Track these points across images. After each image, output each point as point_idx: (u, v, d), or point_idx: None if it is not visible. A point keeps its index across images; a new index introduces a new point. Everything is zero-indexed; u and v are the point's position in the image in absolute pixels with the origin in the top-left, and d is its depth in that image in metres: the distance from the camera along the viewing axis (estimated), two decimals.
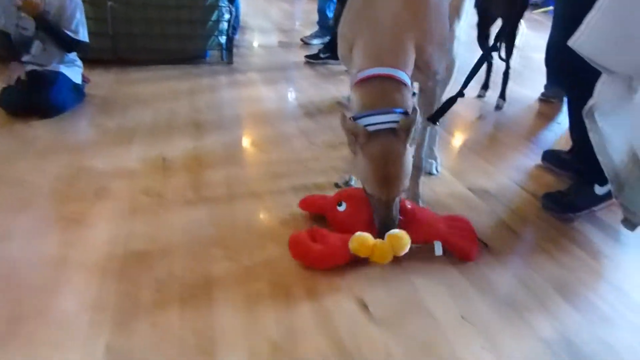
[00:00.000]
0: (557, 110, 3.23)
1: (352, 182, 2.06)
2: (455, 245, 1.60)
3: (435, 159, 2.27)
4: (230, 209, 1.90)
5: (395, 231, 1.51)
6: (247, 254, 1.63)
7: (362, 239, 1.51)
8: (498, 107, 3.24)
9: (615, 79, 1.19)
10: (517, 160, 2.44)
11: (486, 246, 1.63)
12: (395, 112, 1.49)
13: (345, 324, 1.34)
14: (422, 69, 1.66)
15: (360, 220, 1.62)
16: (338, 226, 1.67)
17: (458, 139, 2.71)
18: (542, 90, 3.52)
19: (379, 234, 1.54)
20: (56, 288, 1.45)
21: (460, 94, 1.78)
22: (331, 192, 2.01)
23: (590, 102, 1.27)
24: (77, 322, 1.32)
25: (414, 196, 1.88)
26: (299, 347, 1.26)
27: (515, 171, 2.31)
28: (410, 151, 1.53)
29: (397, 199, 1.54)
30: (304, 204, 1.87)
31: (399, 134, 1.48)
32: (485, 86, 3.50)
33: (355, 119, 1.52)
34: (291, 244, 1.59)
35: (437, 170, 2.25)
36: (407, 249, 1.51)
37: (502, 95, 3.27)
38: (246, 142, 2.56)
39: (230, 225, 1.79)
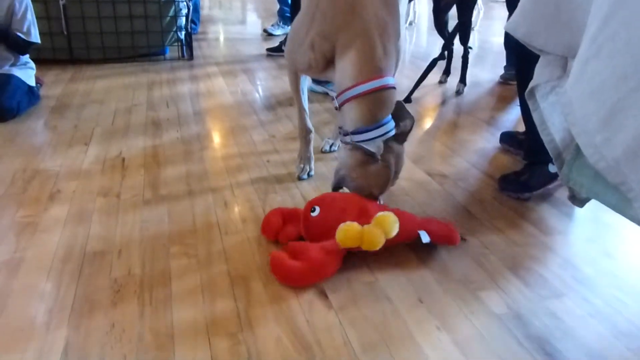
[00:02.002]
0: (515, 92, 3.31)
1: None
2: (436, 232, 1.61)
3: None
4: (189, 206, 1.91)
5: (381, 213, 1.52)
6: (205, 250, 1.65)
7: (348, 228, 1.48)
8: (459, 92, 3.31)
9: (551, 60, 1.24)
10: (476, 144, 2.51)
11: (464, 240, 1.66)
12: (390, 120, 1.60)
13: (305, 313, 1.37)
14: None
15: (337, 221, 1.53)
16: (314, 232, 1.59)
17: (419, 126, 2.77)
18: (502, 72, 3.60)
19: None
20: (12, 292, 1.45)
21: (407, 99, 1.87)
22: (292, 186, 2.04)
23: (531, 83, 1.32)
24: (35, 325, 1.33)
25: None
26: (258, 339, 1.28)
27: (474, 155, 2.37)
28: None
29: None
30: (269, 227, 1.68)
31: (399, 137, 1.62)
32: (446, 71, 3.57)
33: (354, 133, 1.58)
34: (273, 266, 1.49)
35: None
36: (397, 229, 1.49)
37: (463, 80, 3.34)
38: (205, 137, 2.57)
39: (189, 222, 1.80)
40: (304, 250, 1.50)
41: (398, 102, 1.61)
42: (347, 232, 1.47)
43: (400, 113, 1.62)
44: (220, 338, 1.29)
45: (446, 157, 2.34)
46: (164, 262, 1.59)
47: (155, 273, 1.54)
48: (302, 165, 2.12)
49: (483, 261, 1.58)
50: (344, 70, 1.61)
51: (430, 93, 3.30)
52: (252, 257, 1.61)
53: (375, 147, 1.55)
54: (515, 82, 3.42)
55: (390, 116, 1.59)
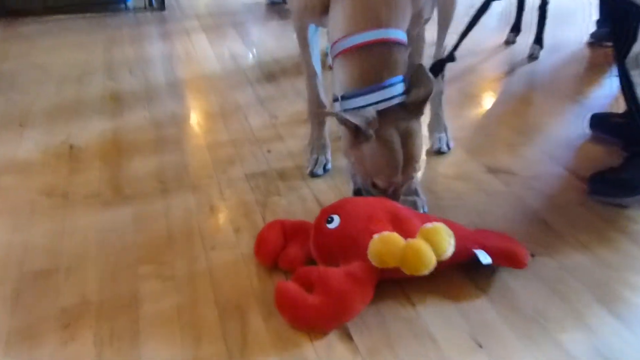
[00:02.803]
0: (613, 58, 3.29)
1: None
2: (497, 249, 1.60)
3: (444, 131, 2.34)
4: (162, 210, 1.95)
5: (429, 224, 1.55)
6: (185, 270, 1.68)
7: (387, 240, 1.49)
8: (533, 57, 3.31)
9: None
10: (556, 129, 2.51)
11: (532, 256, 1.68)
12: (395, 84, 1.59)
13: (319, 357, 1.39)
14: (413, 20, 1.73)
15: (363, 234, 1.54)
16: (332, 251, 1.57)
17: (476, 103, 2.77)
18: (592, 29, 3.58)
19: None
20: None
21: (450, 57, 1.86)
22: (301, 184, 2.07)
23: (635, 47, 1.33)
24: None
25: (410, 185, 1.94)
26: None
27: (553, 144, 2.38)
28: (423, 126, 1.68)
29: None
30: (264, 247, 1.69)
31: (410, 108, 1.61)
32: (515, 28, 3.57)
33: (343, 98, 1.59)
34: (280, 304, 1.49)
35: (447, 147, 2.32)
36: (452, 247, 1.52)
37: (538, 40, 3.34)
38: (184, 118, 2.60)
39: (162, 233, 1.84)
40: (322, 279, 1.50)
41: (419, 66, 1.64)
42: (386, 244, 1.49)
43: (419, 78, 1.64)
44: None
45: (514, 146, 2.35)
46: (129, 287, 1.62)
47: (118, 301, 1.57)
48: (315, 157, 2.15)
49: (563, 289, 1.60)
50: (336, 18, 1.67)
51: (493, 58, 3.30)
52: (248, 280, 1.64)
53: (360, 118, 1.56)
54: (611, 44, 3.40)
55: (395, 79, 1.59)
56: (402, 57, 1.64)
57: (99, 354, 1.41)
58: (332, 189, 2.05)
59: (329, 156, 2.15)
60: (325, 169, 2.13)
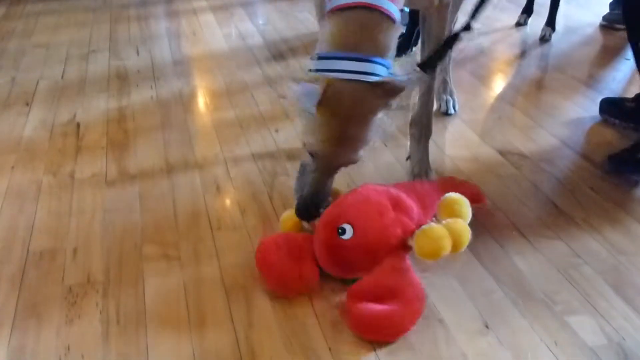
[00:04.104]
0: (625, 41, 3.27)
1: None
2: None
3: (451, 94, 2.43)
4: (168, 190, 1.95)
5: (445, 196, 1.60)
6: (191, 251, 1.69)
7: (431, 231, 1.49)
8: (544, 39, 3.29)
9: None
10: (568, 112, 2.50)
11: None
12: (374, 62, 1.51)
13: (327, 340, 1.40)
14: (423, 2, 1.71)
15: (381, 238, 1.52)
16: (354, 261, 1.53)
17: (486, 85, 2.77)
18: (606, 12, 3.56)
19: (297, 210, 1.60)
20: None
21: (467, 26, 1.78)
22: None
23: None
24: None
25: (420, 166, 1.94)
26: None
27: (565, 127, 2.37)
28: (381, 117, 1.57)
29: (336, 172, 1.62)
30: (282, 277, 1.57)
31: (374, 90, 1.50)
32: (527, 10, 3.54)
33: (320, 58, 1.55)
34: (371, 329, 1.43)
35: (454, 109, 2.43)
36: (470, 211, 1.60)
37: (551, 22, 3.32)
38: (190, 96, 2.61)
39: (168, 213, 1.85)
40: (379, 284, 1.47)
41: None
42: (437, 239, 1.48)
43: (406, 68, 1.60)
44: None
45: (526, 129, 2.35)
46: (135, 266, 1.63)
47: (124, 280, 1.59)
48: None
49: (574, 274, 1.60)
50: None
51: (504, 40, 3.29)
52: (254, 261, 1.63)
53: (306, 88, 1.51)
54: (624, 27, 3.38)
55: (380, 59, 1.51)
56: (386, 31, 1.56)
57: (105, 332, 1.43)
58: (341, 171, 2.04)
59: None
60: None
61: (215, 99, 2.59)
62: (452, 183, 1.73)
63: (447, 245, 1.48)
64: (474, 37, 2.90)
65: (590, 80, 2.82)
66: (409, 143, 2.00)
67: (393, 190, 1.62)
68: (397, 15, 1.58)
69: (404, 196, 1.61)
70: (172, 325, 1.44)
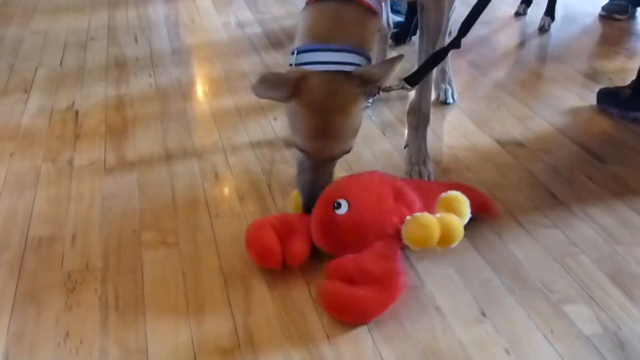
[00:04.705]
0: (625, 31, 3.28)
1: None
2: (472, 198, 1.66)
3: (449, 83, 2.44)
4: (167, 177, 1.96)
5: (447, 194, 1.60)
6: (189, 238, 1.70)
7: (425, 222, 1.50)
8: (543, 29, 3.29)
9: None
10: (566, 102, 2.50)
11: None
12: (351, 52, 1.52)
13: (324, 326, 1.41)
14: None
15: (377, 218, 1.54)
16: (345, 240, 1.54)
17: (485, 75, 2.76)
18: (605, 2, 3.56)
19: (304, 206, 1.61)
20: None
21: (455, 44, 1.78)
22: None
23: None
24: None
25: (418, 154, 1.94)
26: (260, 356, 1.33)
27: (563, 117, 2.38)
28: (362, 107, 1.58)
29: (333, 164, 1.63)
30: (270, 253, 1.57)
31: (352, 80, 1.51)
32: (526, 0, 3.54)
33: (298, 52, 1.55)
34: (331, 304, 1.44)
35: (452, 98, 2.44)
36: (469, 211, 1.60)
37: (550, 12, 3.32)
38: (189, 85, 2.60)
39: (167, 200, 1.85)
40: (361, 269, 1.45)
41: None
42: (424, 228, 1.49)
43: (385, 61, 1.60)
44: (210, 355, 1.33)
45: (524, 119, 2.35)
46: (133, 253, 1.64)
47: (123, 267, 1.59)
48: None
49: (570, 263, 1.60)
50: None
51: (503, 30, 3.29)
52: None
53: (276, 76, 1.51)
54: (623, 17, 3.38)
55: (350, 47, 1.52)
56: (364, 22, 1.57)
57: (104, 318, 1.43)
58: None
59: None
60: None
61: (214, 87, 2.59)
62: (461, 187, 1.71)
63: (435, 235, 1.49)
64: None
65: (589, 70, 2.82)
66: (406, 131, 2.00)
67: (399, 182, 1.63)
68: (377, 6, 1.58)
69: (408, 189, 1.61)
70: (170, 311, 1.45)
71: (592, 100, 2.48)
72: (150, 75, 2.66)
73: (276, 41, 3.04)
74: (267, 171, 1.99)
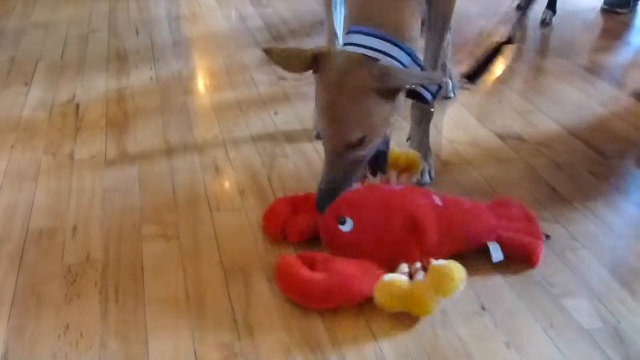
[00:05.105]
0: (626, 25, 3.27)
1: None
2: (514, 243, 1.57)
3: (450, 77, 2.42)
4: (167, 170, 1.96)
5: (442, 262, 1.45)
6: (190, 231, 1.70)
7: (391, 287, 1.41)
8: (545, 22, 3.28)
9: None
10: (568, 96, 2.50)
11: (548, 238, 1.65)
12: (380, 38, 1.46)
13: (324, 319, 1.41)
14: None
15: (378, 244, 1.52)
16: (348, 253, 1.52)
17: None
18: None
19: (316, 203, 1.52)
20: None
21: (509, 40, 1.76)
22: (307, 147, 2.07)
23: None
24: None
25: (420, 148, 1.93)
26: (260, 352, 1.32)
27: (565, 111, 2.37)
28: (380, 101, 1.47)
29: (350, 161, 1.51)
30: (274, 216, 1.67)
31: (371, 70, 1.43)
32: None
33: (348, 32, 1.53)
34: (282, 277, 1.48)
35: (453, 92, 2.43)
36: (460, 288, 1.42)
37: (551, 6, 3.31)
38: (189, 78, 2.60)
39: (167, 193, 1.85)
40: (327, 260, 1.48)
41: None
42: (391, 293, 1.40)
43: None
44: (209, 349, 1.34)
45: (525, 113, 2.35)
46: (134, 246, 1.64)
47: (123, 260, 1.60)
48: None
49: (571, 258, 1.60)
50: None
51: (505, 23, 3.28)
52: (252, 242, 1.65)
53: (301, 52, 1.47)
54: (624, 11, 3.37)
55: (402, 45, 1.48)
56: (405, 12, 1.52)
57: (104, 310, 1.43)
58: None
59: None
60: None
61: (215, 80, 2.59)
62: (505, 204, 1.65)
63: (398, 306, 1.41)
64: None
65: (591, 64, 2.81)
66: (410, 125, 2.00)
67: (416, 210, 1.55)
68: None
69: (429, 221, 1.54)
70: (170, 304, 1.45)
71: (595, 94, 2.48)
72: (151, 68, 2.66)
73: (277, 34, 3.04)
74: (268, 165, 1.99)
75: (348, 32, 1.53)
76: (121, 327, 1.39)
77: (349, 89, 1.44)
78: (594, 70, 2.75)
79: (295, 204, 1.68)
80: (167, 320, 1.41)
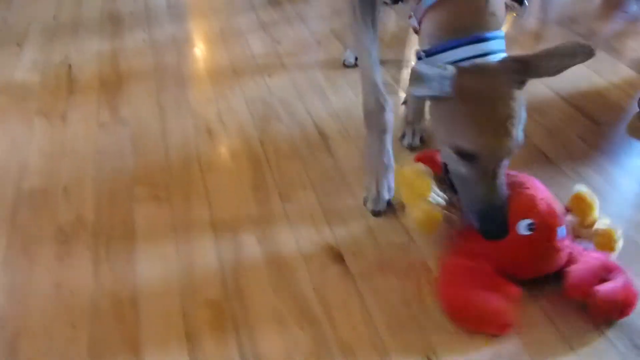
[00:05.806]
0: None
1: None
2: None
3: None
4: (159, 132, 1.96)
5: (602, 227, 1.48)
6: (181, 192, 1.71)
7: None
8: None
9: None
10: None
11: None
12: (498, 38, 1.40)
13: (312, 279, 1.43)
14: None
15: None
16: (514, 262, 1.42)
17: None
18: None
19: (490, 232, 1.41)
20: None
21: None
22: (300, 110, 2.06)
23: None
24: None
25: (415, 112, 1.93)
26: (249, 310, 1.34)
27: (558, 78, 2.33)
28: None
29: (504, 169, 1.47)
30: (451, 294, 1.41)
31: (506, 65, 1.39)
32: None
33: (427, 54, 1.43)
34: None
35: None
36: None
37: None
38: (183, 41, 2.59)
39: (159, 155, 1.86)
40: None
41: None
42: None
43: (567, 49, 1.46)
44: (198, 307, 1.36)
45: None
46: (125, 206, 1.66)
47: (114, 220, 1.61)
48: (375, 191, 1.75)
49: None
50: None
51: None
52: (244, 203, 1.67)
53: (432, 69, 1.34)
54: None
55: (494, 33, 1.41)
56: (499, 6, 1.45)
57: (95, 269, 1.45)
58: (332, 116, 2.05)
59: (392, 182, 1.70)
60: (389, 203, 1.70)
61: (210, 44, 2.58)
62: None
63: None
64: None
65: (588, 33, 2.80)
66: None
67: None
68: None
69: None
70: (161, 264, 1.47)
71: (591, 62, 2.45)
72: (144, 31, 2.65)
73: None
74: (260, 128, 1.99)
75: (441, 49, 1.42)
76: (111, 287, 1.41)
77: (504, 94, 1.39)
78: (591, 38, 2.74)
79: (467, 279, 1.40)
80: (157, 280, 1.43)
